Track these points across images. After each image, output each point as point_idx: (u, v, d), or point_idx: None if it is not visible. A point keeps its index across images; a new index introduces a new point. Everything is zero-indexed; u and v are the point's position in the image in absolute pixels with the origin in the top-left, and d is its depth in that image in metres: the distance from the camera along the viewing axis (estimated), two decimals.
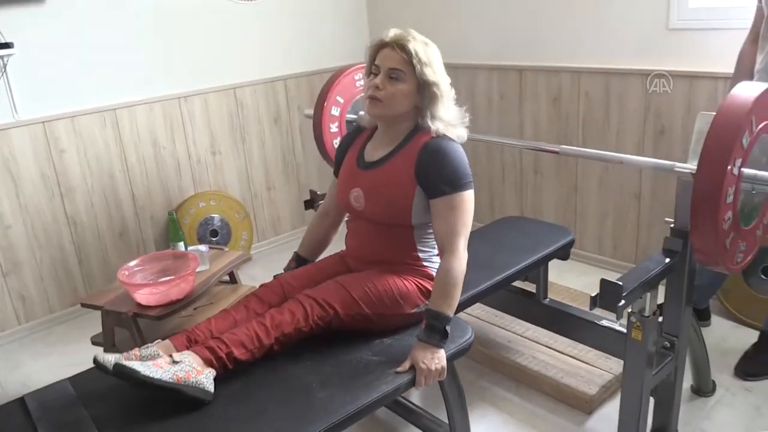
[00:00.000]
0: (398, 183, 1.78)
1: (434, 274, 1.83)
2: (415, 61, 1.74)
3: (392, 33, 1.78)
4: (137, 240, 3.36)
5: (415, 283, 1.82)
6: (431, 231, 1.83)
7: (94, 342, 2.27)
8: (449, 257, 1.71)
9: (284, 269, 2.05)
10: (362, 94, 2.53)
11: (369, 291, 1.76)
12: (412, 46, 1.75)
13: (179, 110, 3.39)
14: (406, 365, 1.64)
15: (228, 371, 1.61)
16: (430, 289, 1.81)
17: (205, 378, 1.54)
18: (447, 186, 1.72)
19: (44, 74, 2.92)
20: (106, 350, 2.19)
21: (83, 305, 2.24)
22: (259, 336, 1.62)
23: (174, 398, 1.50)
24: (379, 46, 1.79)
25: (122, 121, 3.19)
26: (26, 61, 2.85)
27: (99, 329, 2.43)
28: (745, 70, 2.33)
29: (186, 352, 1.58)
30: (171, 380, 1.49)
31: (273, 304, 1.78)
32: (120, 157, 3.22)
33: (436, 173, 1.73)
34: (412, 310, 1.82)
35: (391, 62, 1.75)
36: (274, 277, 1.92)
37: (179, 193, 3.47)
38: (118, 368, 1.49)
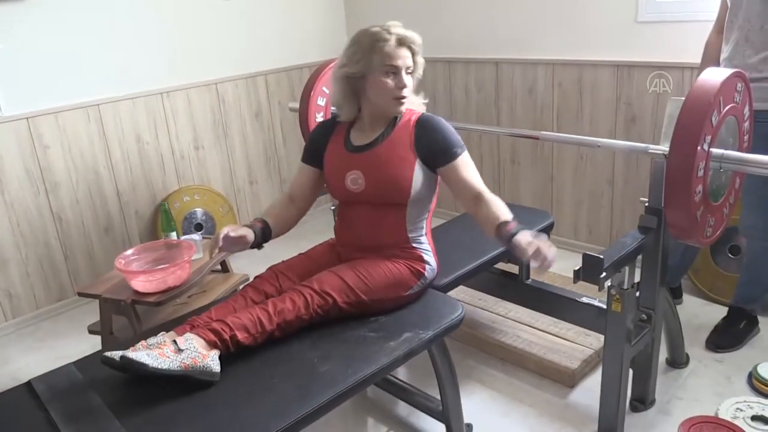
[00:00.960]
0: (399, 158, 1.87)
1: (423, 255, 1.93)
2: (417, 57, 1.88)
3: (401, 32, 1.85)
4: (122, 235, 3.39)
5: (406, 266, 1.91)
6: (423, 210, 1.93)
7: (91, 331, 2.31)
8: (487, 194, 1.82)
9: (248, 224, 1.93)
10: None
11: (364, 278, 1.83)
12: (415, 39, 1.87)
13: (162, 106, 3.42)
14: (526, 250, 1.61)
15: (229, 354, 1.66)
16: (422, 270, 1.92)
17: (211, 360, 1.59)
18: (458, 148, 1.88)
19: (27, 70, 2.93)
20: (104, 338, 2.23)
21: (80, 294, 2.27)
22: (261, 321, 1.68)
23: (183, 383, 1.56)
24: (396, 46, 1.83)
25: (106, 116, 3.21)
26: (9, 58, 2.86)
27: (86, 322, 2.48)
28: (710, 59, 2.47)
29: (189, 334, 1.63)
30: (179, 368, 1.54)
31: (269, 293, 1.84)
32: (104, 153, 3.24)
33: (444, 140, 1.87)
34: (407, 292, 1.90)
35: (408, 61, 1.86)
36: (269, 268, 1.97)
37: (163, 187, 3.50)
38: (126, 361, 1.54)
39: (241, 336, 1.65)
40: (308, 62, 3.98)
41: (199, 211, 3.57)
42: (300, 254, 2.05)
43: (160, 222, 2.88)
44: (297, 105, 2.70)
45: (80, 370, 1.73)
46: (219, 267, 2.57)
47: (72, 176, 3.15)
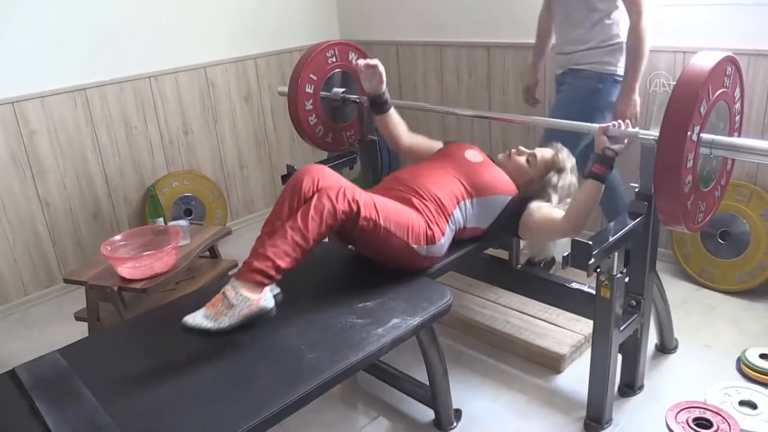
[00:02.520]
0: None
1: (446, 230, 2.04)
2: None
3: None
4: (111, 220, 3.36)
5: (426, 223, 1.98)
6: (477, 213, 2.13)
7: (78, 317, 2.30)
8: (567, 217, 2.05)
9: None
10: (339, 69, 2.62)
11: (389, 206, 1.91)
12: None
13: (150, 90, 3.38)
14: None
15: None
16: (435, 238, 2.00)
17: (265, 300, 1.68)
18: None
19: (12, 54, 2.88)
20: (90, 324, 2.21)
21: (66, 281, 2.25)
22: (297, 242, 1.72)
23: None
24: None
25: (93, 101, 3.17)
26: None
27: (74, 309, 2.46)
28: (542, 32, 2.88)
29: (236, 282, 1.68)
30: (238, 321, 1.64)
31: (306, 194, 1.86)
32: (92, 138, 3.21)
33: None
34: (414, 245, 1.95)
35: None
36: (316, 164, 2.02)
37: (152, 173, 3.47)
38: (187, 328, 1.62)
39: (283, 263, 1.71)
40: (299, 45, 3.93)
41: (189, 196, 3.54)
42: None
43: (148, 208, 2.86)
44: (287, 89, 2.67)
45: (65, 358, 1.72)
46: (207, 253, 2.55)
47: (59, 161, 3.12)
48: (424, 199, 2.04)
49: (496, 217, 2.14)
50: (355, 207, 1.80)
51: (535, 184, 2.19)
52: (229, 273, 1.79)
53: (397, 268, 1.99)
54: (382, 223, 1.87)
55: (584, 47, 2.56)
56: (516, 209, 2.12)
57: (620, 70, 2.54)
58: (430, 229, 1.99)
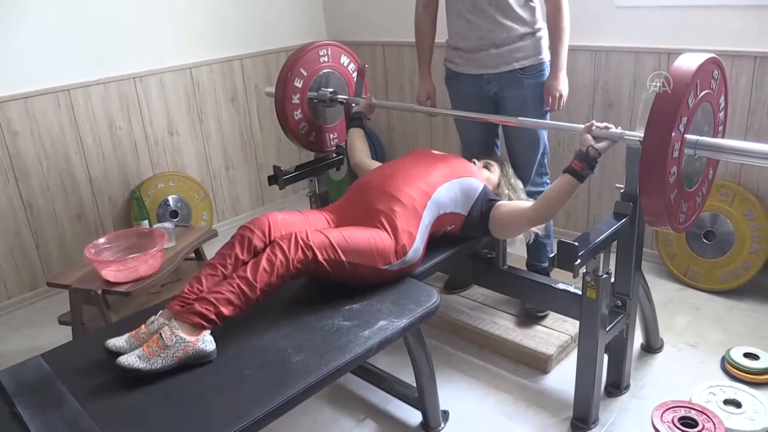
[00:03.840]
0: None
1: (416, 237, 1.99)
2: None
3: None
4: (95, 222, 3.33)
5: (392, 238, 1.94)
6: (451, 205, 2.13)
7: (62, 321, 2.27)
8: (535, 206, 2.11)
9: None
10: (326, 70, 2.63)
11: (347, 238, 1.86)
12: None
13: (134, 90, 3.35)
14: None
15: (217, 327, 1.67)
16: (406, 249, 1.96)
17: (203, 343, 1.61)
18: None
19: None
20: (74, 328, 2.19)
21: (49, 284, 2.22)
22: (244, 291, 1.68)
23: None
24: None
25: (77, 101, 3.14)
26: None
27: (59, 312, 2.43)
28: (427, 32, 2.61)
29: (174, 323, 1.62)
30: (173, 363, 1.58)
31: (257, 247, 1.82)
32: (75, 139, 3.17)
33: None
34: (384, 266, 1.91)
35: None
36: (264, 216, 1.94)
37: (137, 174, 3.44)
38: (121, 369, 1.55)
39: (226, 310, 1.66)
40: (285, 46, 3.92)
41: (175, 197, 3.51)
42: (297, 212, 2.04)
43: (133, 210, 2.83)
44: (273, 90, 2.66)
45: (48, 362, 1.70)
46: (193, 255, 2.53)
47: (42, 163, 3.08)
48: (392, 202, 2.01)
49: (473, 202, 2.14)
50: (310, 253, 1.77)
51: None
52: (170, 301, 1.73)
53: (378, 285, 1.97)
54: (343, 258, 1.83)
55: (525, 40, 2.39)
56: (487, 204, 2.15)
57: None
58: (398, 242, 1.95)
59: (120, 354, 1.60)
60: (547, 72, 2.45)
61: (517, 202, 2.19)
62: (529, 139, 2.49)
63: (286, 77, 2.59)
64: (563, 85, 2.42)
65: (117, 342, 1.64)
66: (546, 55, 2.44)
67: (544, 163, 2.58)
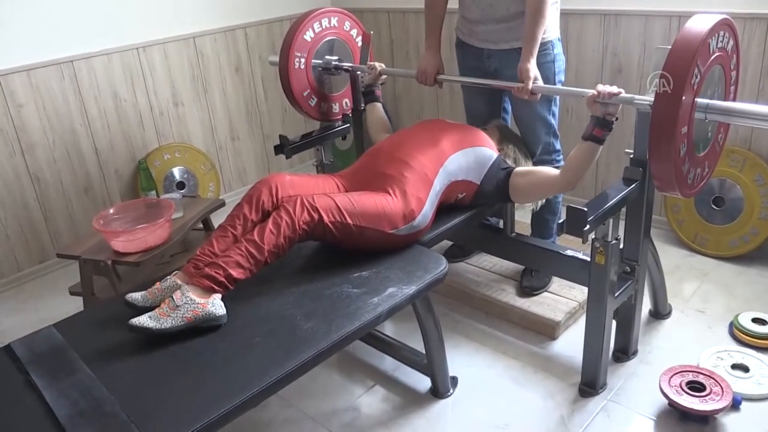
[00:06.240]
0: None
1: (426, 203, 1.99)
2: None
3: None
4: (102, 194, 3.33)
5: (402, 202, 1.95)
6: (462, 173, 2.13)
7: (72, 292, 2.29)
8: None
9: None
10: (330, 38, 2.60)
11: (353, 201, 1.87)
12: None
13: (138, 61, 3.32)
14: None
15: (228, 291, 1.69)
16: (414, 214, 1.97)
17: (212, 306, 1.62)
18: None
19: None
20: (85, 299, 2.21)
21: (59, 255, 2.24)
22: (252, 254, 1.70)
23: (193, 331, 1.61)
24: None
25: (80, 73, 3.12)
26: None
27: (69, 284, 2.45)
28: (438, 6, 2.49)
29: (185, 287, 1.65)
30: (182, 323, 1.59)
31: (265, 207, 1.85)
32: (80, 111, 3.16)
33: None
34: (391, 230, 1.92)
35: None
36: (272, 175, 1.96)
37: (143, 145, 3.43)
38: (132, 328, 1.58)
39: (236, 273, 1.68)
40: (289, 14, 3.87)
41: (181, 168, 3.51)
42: (307, 174, 2.07)
43: (140, 181, 2.83)
44: (277, 59, 2.63)
45: (60, 332, 1.72)
46: (201, 225, 2.54)
47: (48, 135, 3.07)
48: (403, 167, 2.01)
49: (487, 170, 2.15)
50: (316, 215, 1.79)
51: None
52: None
53: (387, 251, 1.97)
54: (350, 221, 1.84)
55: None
56: (503, 171, 2.15)
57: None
58: (407, 206, 1.95)
59: (135, 307, 1.66)
60: (551, 52, 2.32)
61: (540, 168, 2.18)
62: (534, 116, 2.41)
63: (289, 45, 2.56)
64: (536, 70, 2.19)
65: (135, 295, 1.70)
66: (549, 34, 2.30)
67: (551, 142, 2.48)
